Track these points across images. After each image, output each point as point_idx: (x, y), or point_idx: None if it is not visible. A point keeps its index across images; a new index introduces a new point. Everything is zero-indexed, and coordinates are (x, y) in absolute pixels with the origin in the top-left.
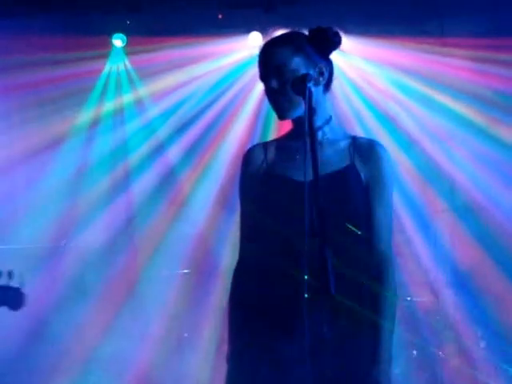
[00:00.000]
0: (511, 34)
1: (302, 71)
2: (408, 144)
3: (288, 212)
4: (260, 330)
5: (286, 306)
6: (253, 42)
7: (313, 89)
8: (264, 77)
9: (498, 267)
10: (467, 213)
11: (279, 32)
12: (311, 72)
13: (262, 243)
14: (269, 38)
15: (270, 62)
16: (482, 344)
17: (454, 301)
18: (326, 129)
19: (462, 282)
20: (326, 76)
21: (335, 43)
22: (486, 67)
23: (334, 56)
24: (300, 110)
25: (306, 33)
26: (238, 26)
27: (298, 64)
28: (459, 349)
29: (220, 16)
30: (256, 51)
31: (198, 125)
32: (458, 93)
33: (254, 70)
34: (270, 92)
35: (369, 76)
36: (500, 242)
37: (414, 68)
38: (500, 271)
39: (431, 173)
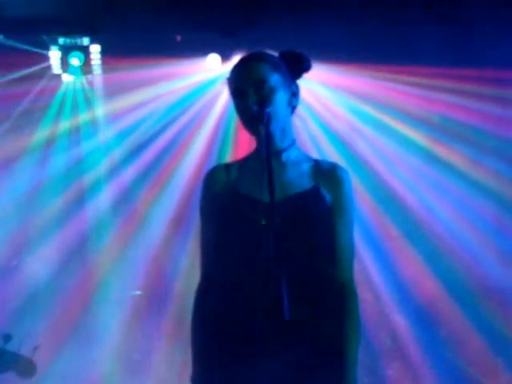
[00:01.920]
0: (462, 63)
1: (280, 90)
2: (363, 169)
3: (251, 232)
4: (225, 351)
5: (249, 327)
6: (211, 65)
7: (281, 111)
8: (240, 92)
9: (452, 297)
10: (420, 240)
11: (238, 55)
12: (286, 92)
13: (223, 263)
14: (243, 56)
15: (249, 76)
16: (436, 374)
17: (407, 327)
18: (291, 151)
19: (416, 312)
20: (298, 98)
21: (307, 68)
22: (437, 95)
23: None
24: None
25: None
26: (197, 48)
27: (276, 82)
28: (412, 379)
29: (178, 38)
30: (214, 74)
31: (154, 146)
32: (411, 119)
33: (212, 92)
34: (245, 108)
35: (325, 101)
36: (453, 270)
37: (369, 94)
38: (454, 300)
39: (385, 198)
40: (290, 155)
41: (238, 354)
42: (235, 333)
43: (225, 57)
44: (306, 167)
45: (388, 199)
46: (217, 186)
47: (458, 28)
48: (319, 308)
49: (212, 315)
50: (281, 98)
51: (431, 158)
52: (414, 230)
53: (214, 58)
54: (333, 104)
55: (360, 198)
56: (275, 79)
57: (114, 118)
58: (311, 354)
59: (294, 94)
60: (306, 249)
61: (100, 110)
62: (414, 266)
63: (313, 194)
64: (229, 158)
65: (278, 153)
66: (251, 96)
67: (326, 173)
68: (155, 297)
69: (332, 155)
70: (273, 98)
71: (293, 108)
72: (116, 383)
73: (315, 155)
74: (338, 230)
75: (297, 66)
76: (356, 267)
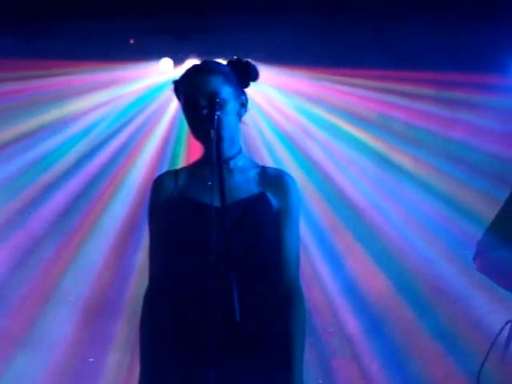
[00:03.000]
0: (415, 67)
1: (231, 101)
2: (315, 172)
3: (200, 236)
4: (172, 357)
5: (197, 332)
6: (164, 68)
7: (232, 120)
8: (193, 104)
9: (400, 293)
10: (373, 242)
11: (191, 59)
12: (236, 103)
13: (172, 268)
14: (195, 65)
15: (202, 89)
16: (385, 372)
17: (358, 329)
18: (238, 158)
19: (366, 311)
20: (247, 108)
21: (255, 77)
22: (390, 98)
23: None
24: None
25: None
26: (150, 51)
27: (228, 94)
28: (364, 377)
29: (132, 41)
30: (167, 77)
31: (106, 151)
32: (364, 122)
33: (165, 96)
34: (197, 119)
35: (278, 104)
36: (402, 269)
37: (323, 97)
38: (404, 300)
39: (339, 203)
40: (237, 162)
41: (186, 359)
42: (184, 337)
43: (177, 60)
44: (253, 173)
45: (339, 200)
46: (165, 192)
47: (411, 29)
48: (267, 310)
49: (160, 320)
50: (231, 108)
51: (382, 160)
52: (364, 231)
53: (166, 61)
54: (285, 107)
55: (312, 199)
56: (227, 91)
57: (64, 122)
58: (259, 355)
59: (243, 104)
60: (252, 253)
61: (50, 115)
62: (364, 266)
63: (259, 200)
64: (182, 161)
65: (226, 160)
66: (204, 108)
67: (272, 179)
68: (109, 299)
69: (284, 158)
70: (224, 109)
71: (240, 117)
72: None
73: (267, 158)
74: (284, 234)
75: (245, 75)
76: (306, 266)
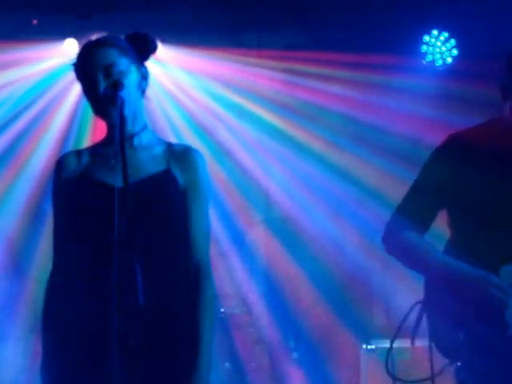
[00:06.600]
0: (320, 47)
1: (129, 73)
2: (223, 155)
3: (103, 218)
4: (72, 342)
5: (97, 316)
6: (68, 49)
7: (132, 94)
8: (89, 78)
9: (309, 280)
10: (281, 225)
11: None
12: (137, 75)
13: (76, 250)
14: (89, 40)
15: (97, 62)
16: (295, 355)
17: (266, 313)
18: (143, 135)
19: (275, 294)
20: (147, 81)
21: (153, 49)
22: (296, 79)
23: (150, 65)
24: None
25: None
26: (54, 32)
27: (125, 65)
28: (271, 361)
29: (35, 21)
30: (71, 57)
31: (11, 131)
32: (271, 104)
33: (70, 77)
34: (96, 93)
35: (185, 86)
36: (311, 255)
37: (229, 79)
38: (310, 284)
39: (246, 184)
40: (141, 139)
41: (87, 342)
42: (86, 321)
43: (82, 41)
44: (159, 150)
45: (248, 184)
46: (67, 173)
47: (316, 13)
48: (175, 291)
49: (63, 303)
50: (131, 81)
51: (292, 144)
52: (276, 217)
53: (71, 42)
54: (192, 89)
55: (219, 182)
56: (124, 63)
57: None
58: (166, 339)
59: (144, 77)
60: (159, 232)
61: None
62: (273, 251)
63: (164, 177)
64: (86, 142)
65: (130, 137)
66: (101, 81)
67: (178, 155)
68: (12, 282)
69: (192, 140)
70: (123, 82)
71: (142, 91)
72: None
73: (174, 140)
74: (193, 212)
75: (143, 48)
76: (218, 255)
